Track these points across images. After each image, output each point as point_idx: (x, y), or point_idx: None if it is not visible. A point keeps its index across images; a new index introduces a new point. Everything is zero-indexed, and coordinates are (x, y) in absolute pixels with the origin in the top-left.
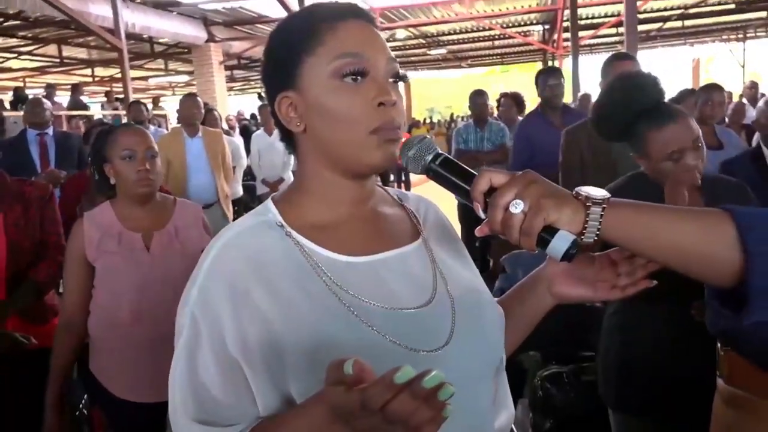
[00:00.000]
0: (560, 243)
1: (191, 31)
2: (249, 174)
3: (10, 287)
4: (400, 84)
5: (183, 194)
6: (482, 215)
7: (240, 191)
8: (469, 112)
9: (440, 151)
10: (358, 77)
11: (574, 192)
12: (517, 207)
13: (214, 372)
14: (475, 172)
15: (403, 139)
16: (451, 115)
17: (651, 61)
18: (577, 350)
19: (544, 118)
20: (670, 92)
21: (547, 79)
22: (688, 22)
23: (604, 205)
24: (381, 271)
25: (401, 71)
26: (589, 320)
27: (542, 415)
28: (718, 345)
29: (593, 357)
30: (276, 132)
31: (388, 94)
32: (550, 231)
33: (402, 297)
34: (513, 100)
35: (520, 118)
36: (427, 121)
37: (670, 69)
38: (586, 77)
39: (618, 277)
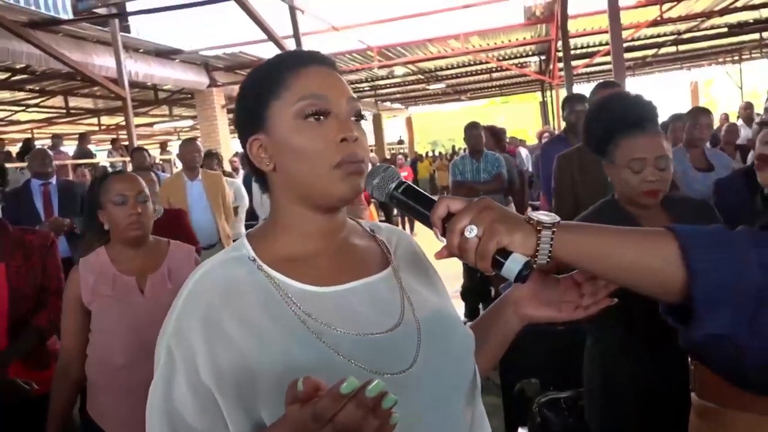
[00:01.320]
0: (513, 265)
1: (193, 77)
2: (252, 214)
3: (12, 334)
4: (413, 115)
5: None
6: (441, 239)
7: (243, 231)
8: None
9: (403, 180)
10: (321, 117)
11: (526, 217)
12: (472, 232)
13: (189, 400)
14: (435, 199)
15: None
16: (453, 147)
17: (648, 86)
18: (575, 376)
19: (567, 143)
20: (668, 115)
21: (574, 105)
22: (682, 47)
23: (554, 229)
24: (349, 299)
25: (363, 111)
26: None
27: None
28: (689, 360)
29: None
30: None
31: (350, 131)
32: (504, 254)
33: (369, 323)
34: (489, 133)
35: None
36: (430, 154)
37: (669, 93)
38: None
39: (581, 298)
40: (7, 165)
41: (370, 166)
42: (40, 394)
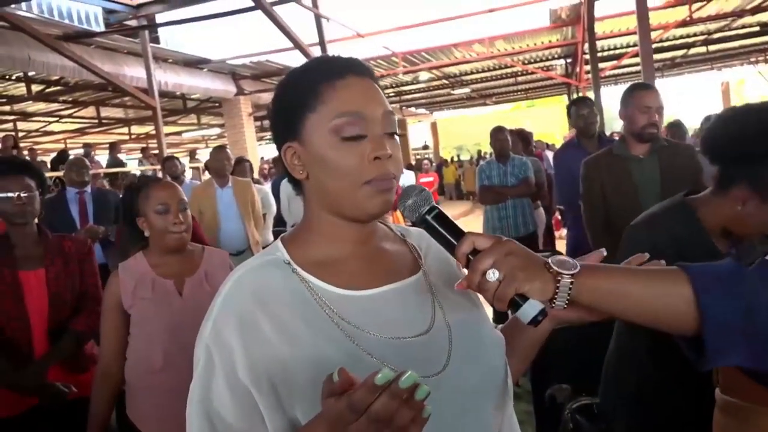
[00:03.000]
0: (529, 310)
1: (221, 86)
2: (280, 220)
3: (52, 338)
4: (438, 120)
5: (215, 242)
6: (464, 271)
7: (271, 238)
8: None
9: (435, 205)
10: (357, 139)
11: (546, 264)
12: (494, 276)
13: (228, 399)
14: (464, 231)
15: (405, 184)
16: (479, 152)
17: (678, 87)
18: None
19: (580, 148)
20: (700, 117)
21: (579, 109)
22: (712, 47)
23: (572, 280)
24: (381, 303)
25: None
26: None
27: None
28: None
29: None
30: None
31: (383, 149)
32: (522, 296)
33: (401, 327)
34: (518, 137)
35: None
36: (455, 159)
37: (700, 94)
38: (614, 107)
39: None
40: None
41: (401, 179)
42: (78, 397)
